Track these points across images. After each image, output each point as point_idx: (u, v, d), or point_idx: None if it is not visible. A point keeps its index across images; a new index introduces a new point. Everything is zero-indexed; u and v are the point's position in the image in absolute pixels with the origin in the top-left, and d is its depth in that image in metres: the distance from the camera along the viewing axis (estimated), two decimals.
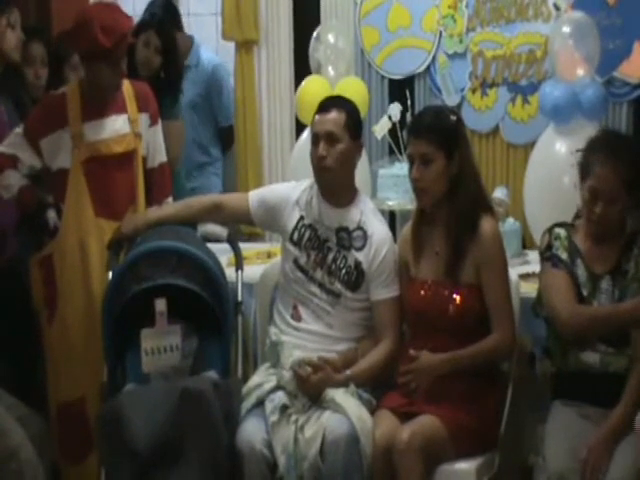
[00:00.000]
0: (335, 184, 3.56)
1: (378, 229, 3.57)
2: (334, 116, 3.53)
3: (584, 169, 3.29)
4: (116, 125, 3.86)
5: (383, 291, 3.53)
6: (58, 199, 3.87)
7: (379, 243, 3.54)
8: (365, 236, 3.55)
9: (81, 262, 3.80)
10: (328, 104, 3.60)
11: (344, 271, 3.54)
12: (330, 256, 3.56)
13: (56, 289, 3.83)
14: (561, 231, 3.35)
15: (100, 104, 3.84)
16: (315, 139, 3.54)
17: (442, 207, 3.42)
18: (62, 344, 3.83)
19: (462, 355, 3.34)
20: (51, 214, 3.87)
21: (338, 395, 3.33)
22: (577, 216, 3.40)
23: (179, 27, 5.48)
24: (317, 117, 3.57)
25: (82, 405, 3.78)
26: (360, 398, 3.38)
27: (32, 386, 4.04)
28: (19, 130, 3.87)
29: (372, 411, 3.37)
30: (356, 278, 3.54)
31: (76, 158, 3.80)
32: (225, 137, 5.54)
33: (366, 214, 3.58)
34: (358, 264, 3.53)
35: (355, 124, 3.58)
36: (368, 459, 3.22)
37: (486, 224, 3.38)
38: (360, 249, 3.54)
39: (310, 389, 3.36)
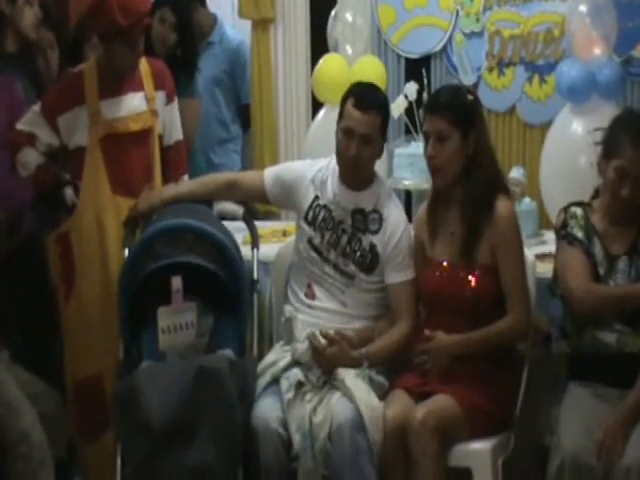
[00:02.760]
0: (359, 176, 3.56)
1: (394, 212, 3.57)
2: (373, 119, 3.48)
3: (610, 148, 3.26)
4: (133, 103, 3.86)
5: (398, 275, 3.53)
6: (75, 177, 3.87)
7: (394, 227, 3.54)
8: (380, 219, 3.54)
9: (98, 239, 3.82)
10: (369, 101, 3.51)
11: (359, 254, 3.54)
12: (345, 238, 3.55)
13: (73, 266, 3.84)
14: (577, 210, 3.33)
15: (117, 82, 3.84)
16: (349, 134, 3.49)
17: (457, 187, 3.41)
18: (79, 320, 3.84)
19: (477, 336, 3.34)
20: (68, 192, 3.87)
21: (349, 378, 3.33)
22: (594, 195, 3.39)
23: (203, 4, 5.47)
24: (355, 112, 3.48)
25: (99, 382, 3.79)
26: (371, 382, 3.37)
27: (49, 362, 4.06)
28: (36, 108, 3.87)
29: (383, 395, 3.37)
30: (370, 261, 3.53)
31: (93, 136, 3.81)
32: (246, 115, 5.53)
33: (382, 197, 3.57)
34: (373, 247, 3.53)
35: (387, 124, 3.58)
36: (377, 446, 3.22)
37: (502, 205, 3.37)
38: (375, 232, 3.54)
39: (325, 362, 3.37)
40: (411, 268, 3.53)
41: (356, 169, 3.52)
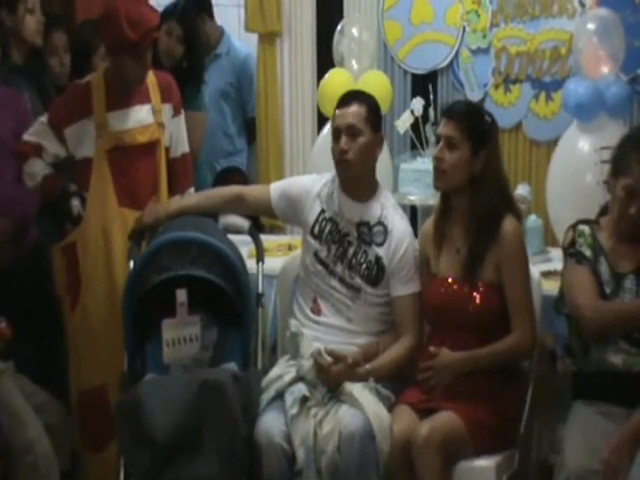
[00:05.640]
0: (356, 178, 3.56)
1: (398, 225, 3.56)
2: (355, 109, 3.52)
3: (619, 167, 3.26)
4: (140, 115, 3.87)
5: (403, 287, 3.53)
6: (82, 188, 3.87)
7: (399, 239, 3.54)
8: (385, 231, 3.54)
9: (104, 251, 3.82)
10: (348, 98, 3.60)
11: (364, 266, 3.53)
12: (350, 250, 3.55)
13: (79, 277, 3.84)
14: (585, 228, 3.33)
15: (124, 94, 3.85)
16: (336, 133, 3.54)
17: (463, 203, 3.41)
18: (84, 332, 3.84)
19: (481, 354, 3.33)
20: (75, 202, 3.86)
21: (356, 390, 3.33)
22: (601, 213, 3.38)
23: (210, 16, 5.49)
24: (338, 111, 3.57)
25: (103, 393, 3.78)
26: (378, 394, 3.37)
27: (54, 373, 4.06)
28: (44, 119, 3.88)
29: (390, 407, 3.37)
30: (376, 273, 3.53)
31: (100, 147, 3.81)
32: (252, 128, 5.54)
33: (387, 209, 3.58)
34: (378, 259, 3.53)
35: (376, 117, 3.59)
36: (384, 456, 3.22)
37: (508, 224, 3.36)
38: (380, 244, 3.54)
39: (330, 379, 3.36)
40: (416, 281, 3.54)
41: (350, 166, 3.51)
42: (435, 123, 4.48)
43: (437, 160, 3.41)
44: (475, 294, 3.36)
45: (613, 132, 3.96)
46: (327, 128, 4.88)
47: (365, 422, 3.23)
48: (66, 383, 3.94)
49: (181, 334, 3.45)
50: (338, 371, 3.36)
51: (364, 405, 3.27)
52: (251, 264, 3.72)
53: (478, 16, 5.03)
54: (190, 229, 3.52)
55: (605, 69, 4.29)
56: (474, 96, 5.01)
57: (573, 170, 4.26)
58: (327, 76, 4.95)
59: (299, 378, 3.40)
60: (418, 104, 4.64)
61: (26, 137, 3.88)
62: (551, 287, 3.57)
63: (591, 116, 4.26)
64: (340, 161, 3.53)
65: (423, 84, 5.06)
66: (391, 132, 4.97)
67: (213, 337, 3.53)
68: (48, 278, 4.01)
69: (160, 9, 4.58)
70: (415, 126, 4.66)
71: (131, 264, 3.61)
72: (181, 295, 3.41)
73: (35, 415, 3.60)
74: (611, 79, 4.28)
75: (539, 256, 4.13)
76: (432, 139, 4.51)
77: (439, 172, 3.41)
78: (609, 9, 4.42)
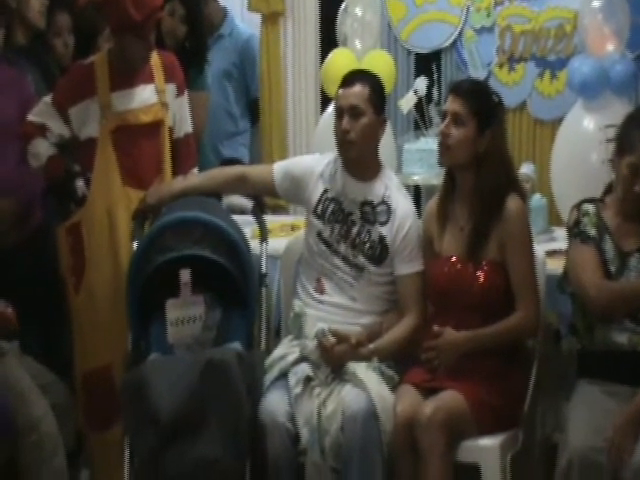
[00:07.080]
0: (358, 158, 3.56)
1: (402, 204, 3.56)
2: (358, 90, 3.52)
3: (623, 145, 3.25)
4: (144, 95, 3.86)
5: (407, 266, 3.53)
6: (86, 168, 3.87)
7: (403, 218, 3.54)
8: (389, 211, 3.54)
9: (109, 231, 3.82)
10: (352, 78, 3.59)
11: (368, 245, 3.53)
12: (354, 230, 3.55)
13: (83, 257, 3.84)
14: (590, 207, 3.32)
15: (128, 74, 3.84)
16: (339, 113, 3.54)
17: (467, 182, 3.41)
18: (88, 312, 3.85)
19: (485, 333, 3.33)
20: (79, 183, 3.87)
21: (360, 370, 3.34)
22: (606, 192, 3.37)
23: None
24: (341, 91, 3.57)
25: (108, 373, 3.79)
26: (382, 374, 3.38)
27: (58, 353, 4.07)
28: (48, 99, 3.88)
29: (394, 387, 3.37)
30: (380, 252, 3.53)
31: (104, 127, 3.81)
32: (255, 108, 5.53)
33: (390, 189, 3.57)
34: (382, 238, 3.53)
35: (379, 98, 3.58)
36: (387, 436, 3.23)
37: (512, 203, 3.36)
38: (384, 224, 3.54)
39: (333, 359, 3.37)
40: (420, 260, 3.54)
41: (352, 146, 3.52)
42: (439, 103, 4.47)
43: (443, 135, 3.41)
44: (479, 273, 3.36)
45: (618, 110, 3.94)
46: (330, 108, 4.87)
47: (368, 402, 3.24)
48: (70, 363, 3.95)
49: (185, 314, 3.45)
50: (341, 351, 3.37)
51: (367, 385, 3.28)
52: (254, 244, 3.71)
53: None
54: (194, 209, 3.52)
55: (610, 47, 4.26)
56: (478, 75, 4.98)
57: (578, 149, 4.24)
58: (330, 56, 4.93)
59: (303, 358, 3.42)
60: (422, 84, 4.62)
61: (30, 117, 3.88)
62: (555, 266, 3.56)
63: (596, 94, 4.24)
64: (342, 141, 3.53)
65: (427, 64, 5.03)
66: (394, 112, 4.96)
67: (217, 317, 3.53)
68: (53, 259, 4.01)
69: None
70: (419, 106, 4.64)
71: (135, 244, 3.61)
72: (185, 275, 3.42)
73: (41, 394, 3.61)
74: (616, 57, 4.26)
75: (543, 235, 4.12)
76: (436, 119, 4.50)
77: (444, 148, 3.41)
78: None
